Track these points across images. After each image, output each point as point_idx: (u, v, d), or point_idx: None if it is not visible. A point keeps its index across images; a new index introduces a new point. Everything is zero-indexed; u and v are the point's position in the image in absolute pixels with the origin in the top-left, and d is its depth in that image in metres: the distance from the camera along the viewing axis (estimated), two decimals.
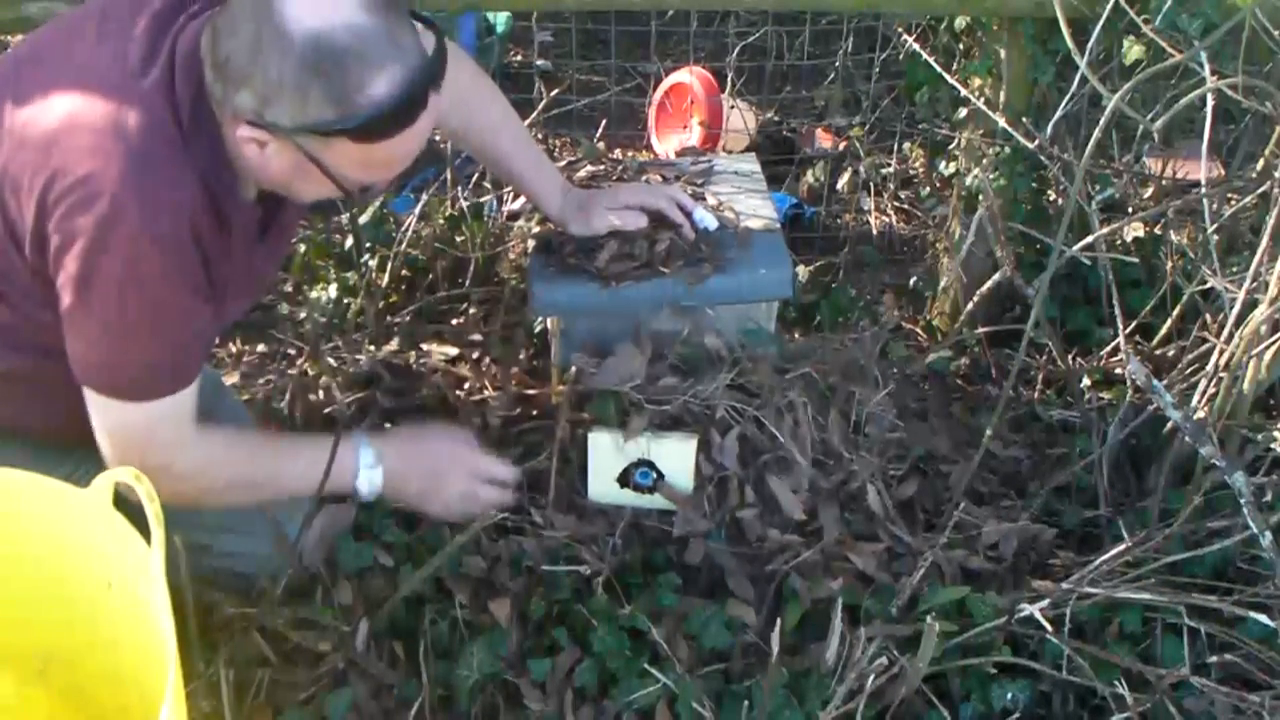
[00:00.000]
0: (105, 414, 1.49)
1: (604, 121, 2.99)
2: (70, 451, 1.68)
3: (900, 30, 2.63)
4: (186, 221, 1.40)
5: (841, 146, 3.28)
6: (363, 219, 2.48)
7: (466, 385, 2.23)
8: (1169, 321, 2.17)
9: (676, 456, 1.82)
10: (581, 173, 2.18)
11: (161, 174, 1.38)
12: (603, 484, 1.86)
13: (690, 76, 3.33)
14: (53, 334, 1.47)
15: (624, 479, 1.84)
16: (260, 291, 1.83)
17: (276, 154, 1.40)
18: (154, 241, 1.37)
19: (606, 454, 1.83)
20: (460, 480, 1.76)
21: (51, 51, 1.49)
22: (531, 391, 2.17)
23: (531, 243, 2.08)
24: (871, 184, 3.22)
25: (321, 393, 2.19)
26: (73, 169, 1.35)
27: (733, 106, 3.23)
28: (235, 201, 1.48)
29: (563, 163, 2.24)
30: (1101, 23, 1.82)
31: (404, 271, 2.50)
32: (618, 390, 1.87)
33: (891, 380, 2.08)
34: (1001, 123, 2.24)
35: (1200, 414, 1.88)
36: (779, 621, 1.52)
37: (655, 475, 1.83)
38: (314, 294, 2.43)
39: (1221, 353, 1.85)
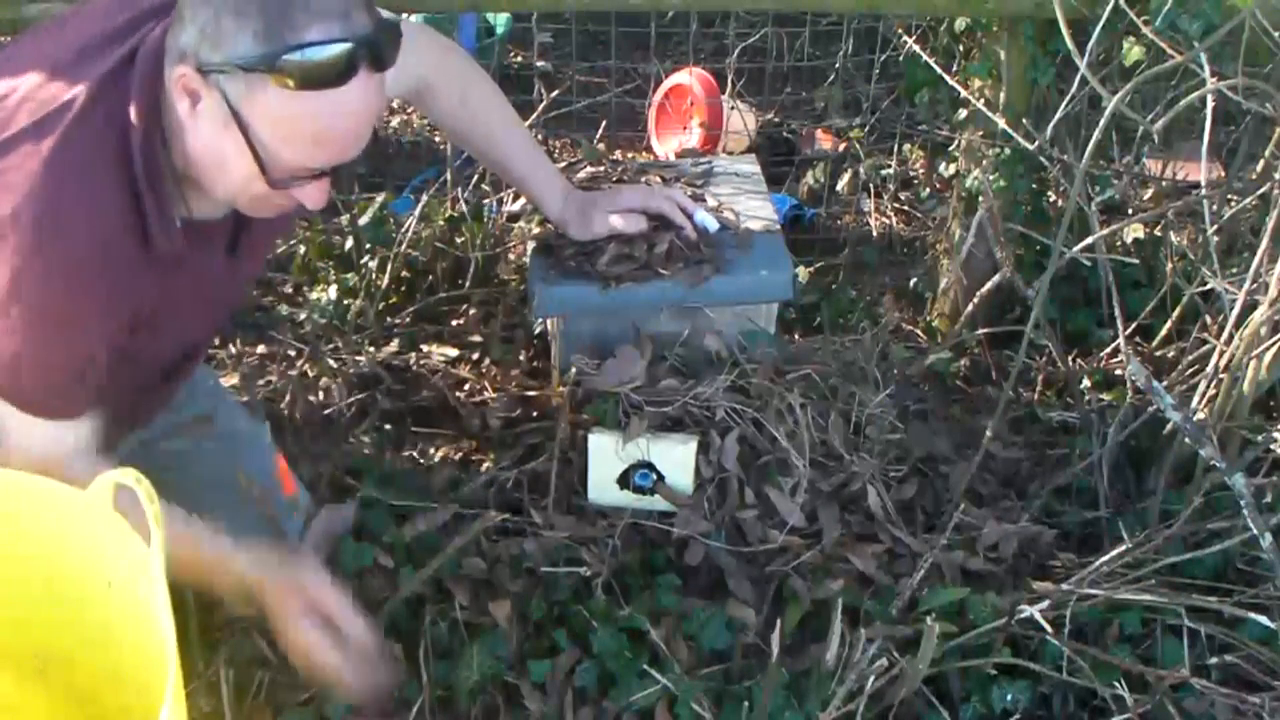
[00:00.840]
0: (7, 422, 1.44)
1: (604, 123, 2.99)
2: None
3: (900, 31, 2.63)
4: (96, 242, 1.36)
5: (842, 148, 3.28)
6: (363, 220, 2.48)
7: (466, 386, 2.24)
8: (1169, 323, 2.17)
9: (676, 458, 1.82)
10: (581, 174, 2.18)
11: (77, 189, 1.34)
12: (603, 485, 1.86)
13: (690, 78, 3.33)
14: None
15: (624, 480, 1.85)
16: (220, 314, 1.77)
17: (204, 112, 1.34)
18: (52, 263, 1.34)
19: (606, 455, 1.83)
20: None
21: (20, 43, 1.48)
22: (531, 393, 2.17)
23: (532, 244, 2.08)
24: (871, 185, 3.23)
25: (321, 394, 2.20)
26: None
27: (733, 108, 3.24)
28: (166, 222, 1.42)
29: (563, 164, 2.24)
30: (1101, 24, 1.82)
31: (404, 272, 2.50)
32: (618, 392, 1.87)
33: (891, 381, 2.09)
34: (1001, 124, 2.24)
35: (1200, 415, 1.88)
36: (779, 622, 1.52)
37: (655, 477, 1.83)
38: (314, 295, 2.43)
39: (1221, 354, 1.85)
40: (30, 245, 1.32)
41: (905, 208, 3.24)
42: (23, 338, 1.36)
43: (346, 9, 1.32)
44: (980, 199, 2.30)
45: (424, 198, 2.57)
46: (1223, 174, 2.49)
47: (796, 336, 2.53)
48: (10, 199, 1.32)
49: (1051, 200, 2.51)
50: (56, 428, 1.45)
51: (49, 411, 1.44)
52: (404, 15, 1.78)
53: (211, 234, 1.52)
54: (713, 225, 1.98)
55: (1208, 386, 1.89)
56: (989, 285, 2.19)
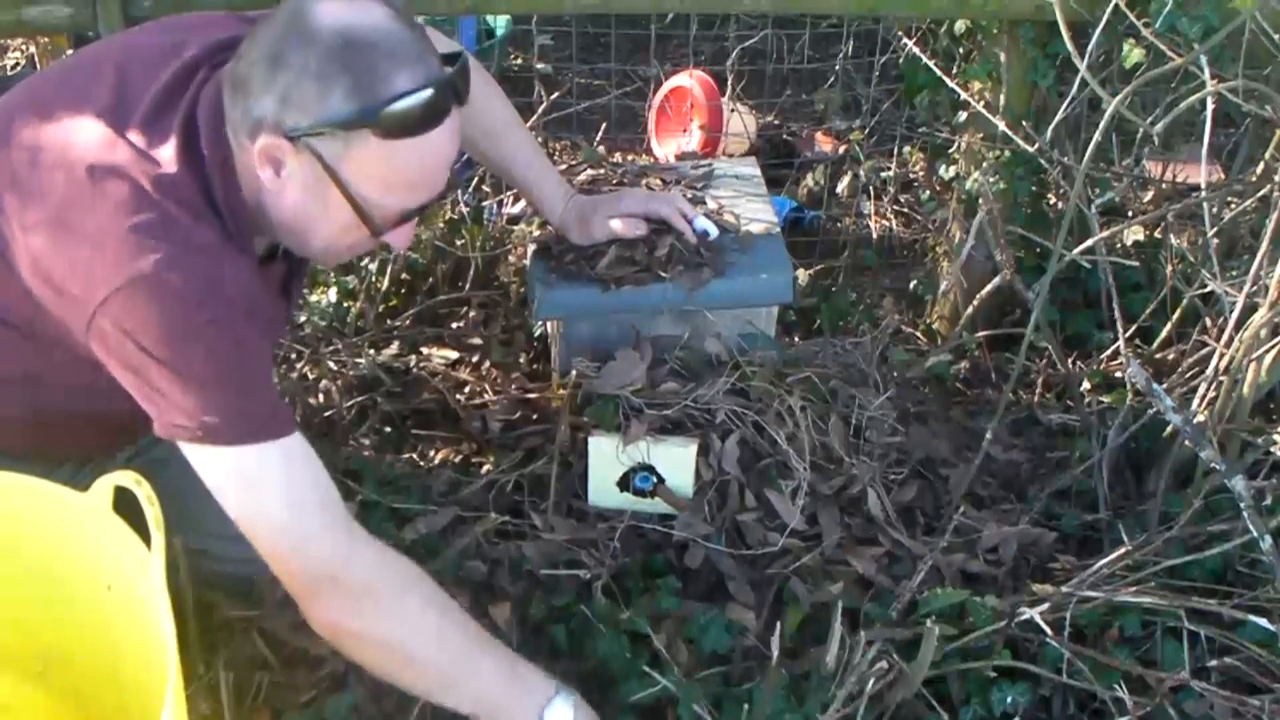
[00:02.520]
0: (218, 471, 1.35)
1: (604, 125, 2.99)
2: (69, 455, 1.68)
3: (900, 34, 2.63)
4: (244, 277, 1.35)
5: (841, 150, 3.28)
6: None
7: (467, 389, 2.23)
8: (1169, 325, 2.17)
9: (676, 461, 1.82)
10: (581, 177, 2.18)
11: (201, 249, 1.32)
12: (603, 488, 1.86)
13: (690, 80, 3.33)
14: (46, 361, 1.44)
15: (624, 483, 1.85)
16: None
17: (293, 175, 1.35)
18: (216, 293, 1.32)
19: (606, 458, 1.83)
20: None
21: (50, 110, 1.42)
22: (532, 395, 2.17)
23: (532, 246, 2.08)
24: (871, 188, 3.23)
25: (321, 396, 2.20)
26: (111, 279, 1.29)
27: (733, 110, 3.24)
28: (255, 261, 1.44)
29: (563, 167, 2.24)
30: (1101, 26, 1.82)
31: (404, 275, 2.50)
32: (618, 394, 1.87)
33: (891, 384, 2.09)
34: (1001, 126, 2.24)
35: (1200, 417, 1.88)
36: (779, 625, 1.52)
37: (655, 479, 1.83)
38: (314, 298, 2.43)
39: (1221, 356, 1.85)
40: (174, 290, 1.29)
41: (905, 210, 3.24)
42: (211, 364, 1.32)
43: (421, 53, 1.34)
44: (980, 201, 2.30)
45: None
46: (1223, 176, 2.49)
47: (796, 339, 2.53)
48: (135, 263, 1.29)
49: (1051, 203, 2.51)
50: (296, 445, 1.36)
51: (279, 424, 1.35)
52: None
53: (269, 280, 1.52)
54: (713, 231, 1.98)
55: (1208, 389, 1.89)
56: (989, 288, 2.19)
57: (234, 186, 1.39)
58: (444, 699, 1.43)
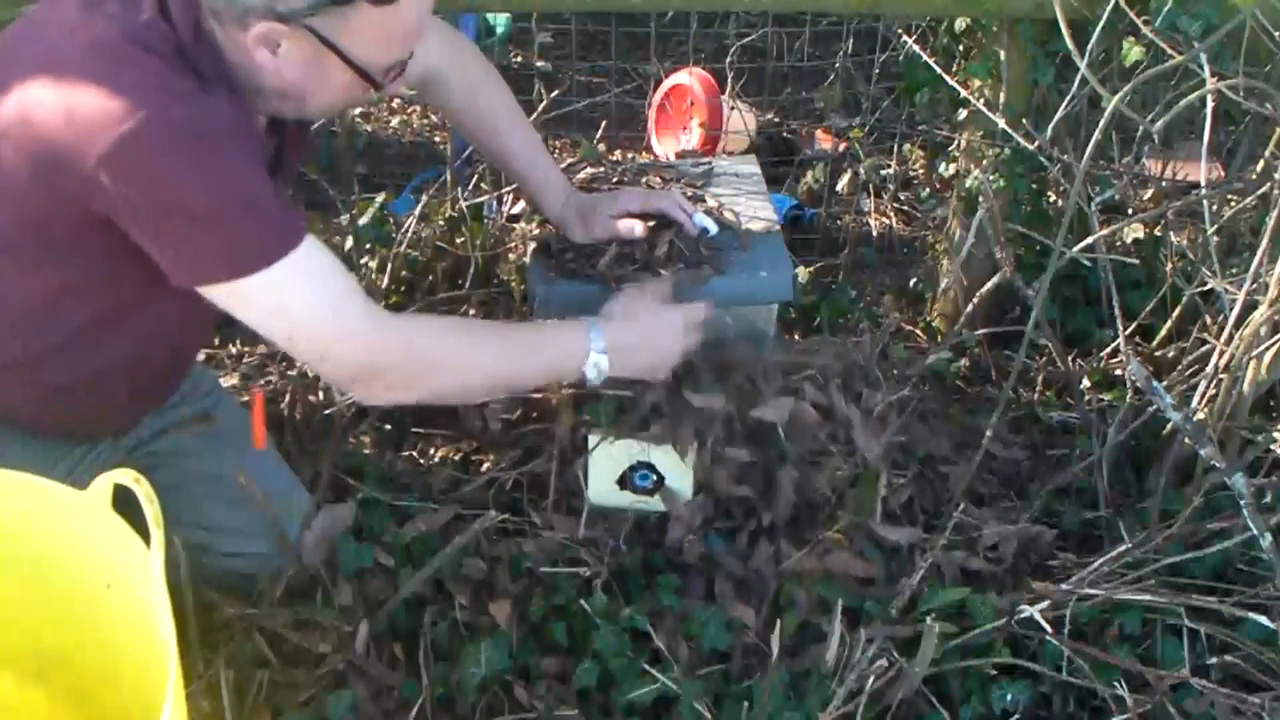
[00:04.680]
0: (250, 304, 1.43)
1: (604, 123, 2.99)
2: (70, 450, 1.68)
3: (900, 31, 2.63)
4: (227, 116, 1.38)
5: (841, 148, 3.28)
6: (363, 220, 2.48)
7: None
8: (1169, 323, 2.17)
9: (676, 458, 1.82)
10: (581, 175, 2.18)
11: (181, 90, 1.35)
12: (603, 486, 1.86)
13: (690, 78, 3.33)
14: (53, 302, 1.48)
15: (624, 481, 1.85)
16: None
17: (290, 52, 1.40)
18: (204, 130, 1.35)
19: (606, 456, 1.83)
20: (672, 336, 1.73)
21: (25, 34, 1.46)
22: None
23: (532, 244, 2.08)
24: (871, 185, 3.23)
25: (321, 394, 2.19)
26: (97, 128, 1.31)
27: (733, 108, 3.24)
28: (252, 124, 1.48)
29: (563, 164, 2.24)
30: (1101, 24, 1.82)
31: (404, 273, 2.50)
32: (618, 392, 1.87)
33: (892, 381, 2.08)
34: (1001, 124, 2.24)
35: (1200, 415, 1.88)
36: (779, 622, 1.53)
37: (655, 477, 1.83)
38: None
39: (1221, 354, 1.85)
40: (167, 124, 1.32)
41: (905, 208, 3.24)
42: (210, 195, 1.36)
43: None
44: (980, 199, 2.30)
45: (424, 198, 2.56)
46: (1223, 174, 2.49)
47: (797, 336, 2.53)
48: (129, 120, 1.30)
49: (1051, 200, 2.51)
50: (311, 250, 1.43)
51: (291, 235, 1.41)
52: None
53: (268, 142, 1.55)
54: (712, 228, 1.98)
55: (1208, 386, 1.89)
56: (989, 285, 2.19)
57: (219, 58, 1.41)
58: (507, 389, 1.84)
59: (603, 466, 1.84)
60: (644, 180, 2.16)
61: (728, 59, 3.21)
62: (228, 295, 1.42)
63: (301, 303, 1.44)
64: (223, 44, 1.41)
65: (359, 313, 1.49)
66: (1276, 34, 1.80)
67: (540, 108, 2.63)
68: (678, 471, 1.83)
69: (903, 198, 3.25)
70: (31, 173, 1.37)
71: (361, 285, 2.37)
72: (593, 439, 1.83)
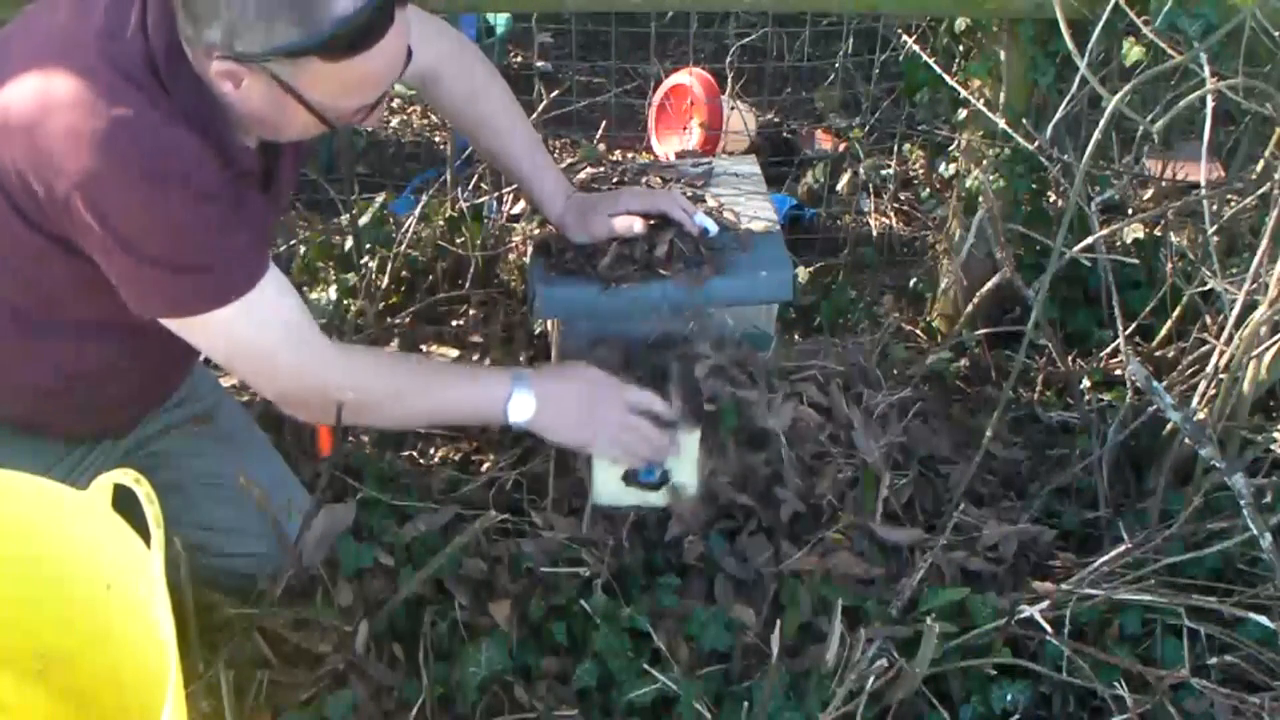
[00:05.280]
0: (192, 333, 1.49)
1: (604, 123, 2.99)
2: (70, 450, 1.68)
3: (900, 31, 2.64)
4: (190, 155, 1.39)
5: (841, 148, 3.28)
6: (363, 220, 2.49)
7: None
8: (1169, 323, 2.17)
9: (680, 449, 1.81)
10: (581, 175, 2.18)
11: (145, 125, 1.37)
12: (607, 484, 1.85)
13: (690, 78, 3.33)
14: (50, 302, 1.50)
15: (628, 477, 1.84)
16: (270, 247, 1.83)
17: (251, 88, 1.39)
18: (158, 174, 1.37)
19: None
20: (616, 410, 1.73)
21: (18, 32, 1.48)
22: None
23: (532, 245, 2.08)
24: (871, 185, 3.23)
25: None
26: (61, 155, 1.34)
27: (733, 108, 3.24)
28: (234, 144, 1.48)
29: (563, 165, 2.24)
30: (1101, 24, 1.82)
31: (404, 273, 2.50)
32: None
33: (891, 381, 2.08)
34: (1001, 124, 2.24)
35: (1200, 415, 1.88)
36: (779, 623, 1.52)
37: (660, 471, 1.82)
38: (314, 295, 2.43)
39: (1221, 354, 1.85)
40: (124, 164, 1.35)
41: (905, 208, 3.24)
42: (162, 241, 1.40)
43: None
44: (980, 199, 2.30)
45: (424, 198, 2.57)
46: (1223, 174, 2.49)
47: (797, 336, 2.53)
48: (88, 153, 1.34)
49: (1051, 200, 2.51)
50: (264, 290, 1.48)
51: (241, 281, 1.46)
52: None
53: (251, 168, 1.55)
54: (712, 228, 1.98)
55: (1207, 386, 1.89)
56: (989, 285, 2.19)
57: (194, 81, 1.41)
58: (440, 423, 1.95)
59: (606, 464, 1.84)
60: (644, 180, 2.16)
61: (728, 59, 3.22)
62: (175, 325, 1.49)
63: (244, 337, 1.51)
64: (197, 69, 1.41)
65: (302, 350, 1.55)
66: (1276, 34, 1.80)
67: (540, 108, 2.63)
68: (682, 463, 1.82)
69: (903, 198, 3.25)
70: (17, 174, 1.39)
71: (361, 288, 2.42)
72: None
